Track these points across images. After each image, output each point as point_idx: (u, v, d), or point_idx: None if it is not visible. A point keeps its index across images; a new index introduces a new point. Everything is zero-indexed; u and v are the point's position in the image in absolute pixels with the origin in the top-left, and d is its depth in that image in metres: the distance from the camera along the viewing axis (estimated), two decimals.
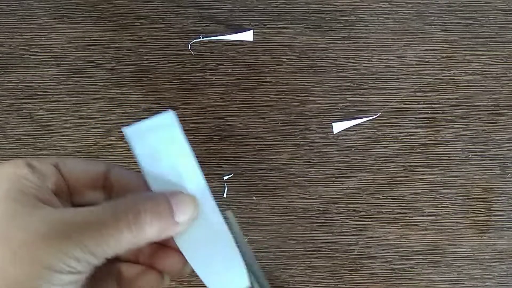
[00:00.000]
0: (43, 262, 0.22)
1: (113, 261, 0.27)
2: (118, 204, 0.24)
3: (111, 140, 0.49)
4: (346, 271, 0.49)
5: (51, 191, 0.25)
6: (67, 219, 0.23)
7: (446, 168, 0.49)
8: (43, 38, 0.49)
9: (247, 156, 0.49)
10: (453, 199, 0.49)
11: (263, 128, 0.49)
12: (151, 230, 0.24)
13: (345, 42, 0.49)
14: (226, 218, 0.29)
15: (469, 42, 0.49)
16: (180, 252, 0.28)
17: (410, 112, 0.49)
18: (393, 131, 0.49)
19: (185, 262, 0.27)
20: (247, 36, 0.48)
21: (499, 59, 0.49)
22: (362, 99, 0.49)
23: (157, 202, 0.25)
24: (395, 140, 0.49)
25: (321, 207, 0.49)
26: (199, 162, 0.50)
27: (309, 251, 0.49)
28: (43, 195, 0.24)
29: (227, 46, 0.49)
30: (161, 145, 0.29)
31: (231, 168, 0.49)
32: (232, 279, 0.28)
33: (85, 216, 0.23)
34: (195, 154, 0.47)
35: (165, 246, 0.28)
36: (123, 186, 0.27)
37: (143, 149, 0.28)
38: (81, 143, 0.49)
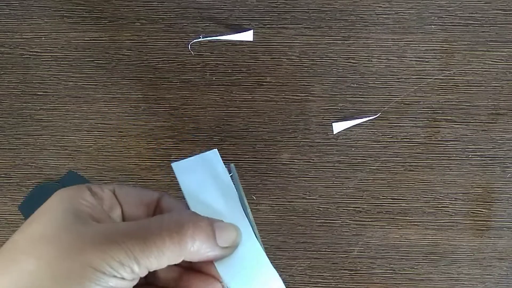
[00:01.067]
0: (88, 261, 0.24)
1: None
2: (164, 217, 0.26)
3: (111, 140, 0.49)
4: (346, 271, 0.49)
5: (105, 212, 0.27)
6: (115, 228, 0.25)
7: (446, 168, 0.49)
8: (43, 38, 0.49)
9: (247, 156, 0.49)
10: (453, 199, 0.49)
11: (263, 128, 0.49)
12: (192, 246, 0.26)
13: (345, 42, 0.49)
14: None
15: (469, 42, 0.49)
16: (213, 278, 0.29)
17: (410, 112, 0.49)
18: (393, 131, 0.49)
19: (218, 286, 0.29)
20: (247, 36, 0.48)
21: (499, 59, 0.49)
22: (362, 99, 0.49)
23: (200, 220, 0.27)
24: (395, 140, 0.49)
25: (321, 207, 0.49)
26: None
27: (309, 251, 0.49)
28: (97, 215, 0.26)
29: (227, 46, 0.49)
30: (206, 180, 0.31)
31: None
32: None
33: (131, 225, 0.26)
34: (195, 154, 0.48)
35: (201, 272, 0.29)
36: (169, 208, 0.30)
37: (188, 184, 0.30)
38: (81, 143, 0.49)
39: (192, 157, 0.31)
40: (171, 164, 0.31)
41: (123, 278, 0.24)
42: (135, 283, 0.25)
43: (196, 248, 0.26)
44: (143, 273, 0.25)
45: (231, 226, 0.28)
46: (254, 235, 0.30)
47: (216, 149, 0.32)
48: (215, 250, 0.27)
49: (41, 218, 0.26)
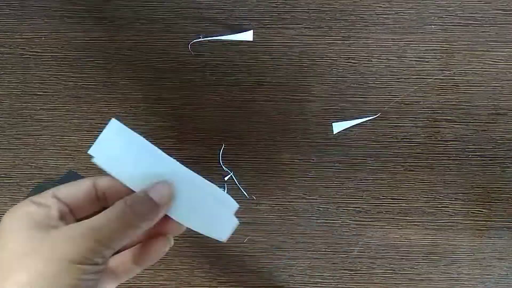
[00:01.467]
0: (70, 260, 0.28)
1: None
2: (119, 213, 0.30)
3: None
4: (346, 271, 0.49)
5: (57, 218, 0.30)
6: (82, 227, 0.29)
7: (446, 168, 0.49)
8: (43, 38, 0.49)
9: (247, 156, 0.49)
10: (453, 199, 0.49)
11: (263, 128, 0.49)
12: (146, 224, 0.31)
13: (345, 42, 0.49)
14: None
15: (469, 42, 0.49)
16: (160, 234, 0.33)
17: (410, 112, 0.49)
18: (393, 131, 0.49)
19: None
20: (247, 36, 0.48)
21: (499, 59, 0.49)
22: (362, 99, 0.49)
23: (142, 202, 0.31)
24: (395, 140, 0.49)
25: (321, 207, 0.49)
26: (199, 162, 0.50)
27: (309, 251, 0.49)
28: (53, 222, 0.30)
29: (227, 46, 0.49)
30: (120, 150, 0.33)
31: (231, 168, 0.49)
32: (224, 223, 0.32)
33: (96, 223, 0.30)
34: (195, 154, 0.47)
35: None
36: (113, 192, 0.32)
37: (108, 162, 0.33)
38: (81, 143, 0.49)
39: (99, 137, 0.34)
40: (92, 159, 0.33)
41: (97, 264, 0.29)
42: (106, 264, 0.31)
43: (150, 224, 0.31)
44: (111, 253, 0.30)
45: (164, 185, 0.32)
46: (185, 168, 0.33)
47: (113, 118, 0.35)
48: (161, 213, 0.32)
49: (8, 239, 0.29)
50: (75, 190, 0.32)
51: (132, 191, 0.32)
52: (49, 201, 0.31)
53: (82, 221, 0.30)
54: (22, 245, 0.29)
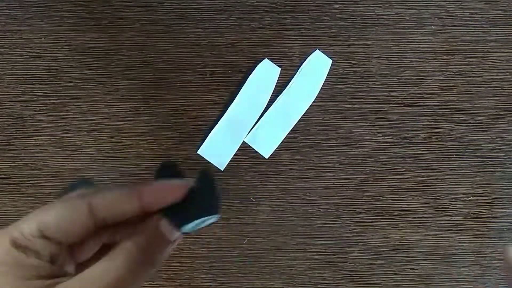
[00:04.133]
0: None
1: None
2: (129, 258, 0.25)
3: (110, 140, 0.49)
4: (346, 272, 0.49)
5: (48, 264, 0.24)
6: (83, 282, 0.23)
7: (446, 169, 0.49)
8: (43, 39, 0.49)
9: (247, 157, 0.49)
10: (454, 200, 0.49)
11: None
12: (159, 261, 0.26)
13: (345, 42, 0.49)
14: None
15: (469, 43, 0.49)
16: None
17: (410, 113, 0.49)
18: (393, 132, 0.49)
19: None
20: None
21: (499, 60, 0.49)
22: (362, 100, 0.49)
23: (156, 240, 0.26)
24: (395, 140, 0.49)
25: (321, 208, 0.49)
26: (199, 162, 0.50)
27: (309, 252, 0.49)
28: (44, 272, 0.24)
29: (227, 47, 0.49)
30: None
31: (231, 169, 0.49)
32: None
33: (100, 274, 0.24)
34: (195, 154, 0.47)
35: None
36: (109, 209, 0.26)
37: None
38: (81, 144, 0.49)
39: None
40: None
41: None
42: None
43: (161, 259, 0.27)
44: None
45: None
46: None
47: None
48: (172, 246, 0.27)
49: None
50: (67, 221, 0.25)
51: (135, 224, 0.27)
52: (37, 244, 0.24)
53: (83, 273, 0.24)
54: None
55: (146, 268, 0.25)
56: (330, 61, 0.48)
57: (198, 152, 0.48)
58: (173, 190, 0.27)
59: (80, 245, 0.26)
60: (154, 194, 0.27)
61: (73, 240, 0.25)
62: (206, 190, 0.28)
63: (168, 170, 0.30)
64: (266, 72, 0.48)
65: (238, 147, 0.49)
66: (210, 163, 0.49)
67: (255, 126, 0.49)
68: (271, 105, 0.49)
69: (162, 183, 0.27)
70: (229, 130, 0.48)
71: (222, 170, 0.49)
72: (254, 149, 0.49)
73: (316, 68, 0.48)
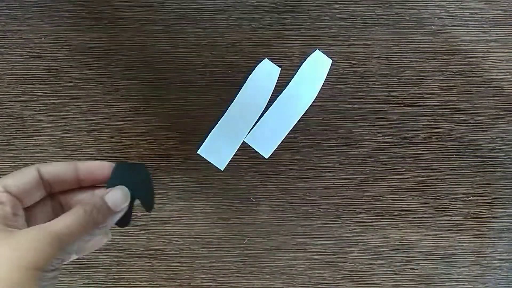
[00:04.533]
0: (34, 266, 0.28)
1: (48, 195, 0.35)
2: (79, 219, 0.31)
3: (110, 140, 0.49)
4: (346, 272, 0.49)
5: (12, 215, 0.31)
6: (47, 234, 0.29)
7: (446, 169, 0.49)
8: (43, 39, 0.49)
9: (247, 157, 0.49)
10: (453, 200, 0.49)
11: None
12: (103, 229, 0.33)
13: (345, 42, 0.49)
14: None
15: (469, 43, 0.49)
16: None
17: (410, 113, 0.49)
18: (393, 132, 0.49)
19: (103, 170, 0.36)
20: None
21: (499, 60, 0.49)
22: (362, 100, 0.49)
23: (100, 210, 0.33)
24: (395, 140, 0.49)
25: (321, 208, 0.49)
26: (199, 162, 0.50)
27: (309, 252, 0.49)
28: (9, 222, 0.30)
29: (227, 47, 0.49)
30: None
31: (231, 169, 0.49)
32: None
33: (58, 229, 0.30)
34: (195, 154, 0.47)
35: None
36: (56, 178, 0.34)
37: None
38: (81, 144, 0.49)
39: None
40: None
41: (58, 269, 0.30)
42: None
43: (103, 225, 0.33)
44: (69, 258, 0.33)
45: (118, 188, 0.34)
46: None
47: None
48: (116, 217, 0.34)
49: None
50: (23, 181, 0.33)
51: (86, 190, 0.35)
52: (2, 197, 0.31)
53: (43, 225, 0.30)
54: None
55: (91, 228, 0.31)
56: (330, 61, 0.48)
57: (198, 152, 0.48)
58: (100, 167, 0.35)
59: (30, 199, 0.33)
60: (86, 168, 0.35)
61: (27, 195, 0.32)
62: (135, 176, 0.36)
63: (125, 169, 0.36)
64: (266, 72, 0.48)
65: (238, 147, 0.49)
66: (210, 163, 0.49)
67: (255, 126, 0.49)
68: (271, 105, 0.49)
69: (94, 161, 0.36)
70: (229, 130, 0.48)
71: (222, 170, 0.49)
72: (254, 149, 0.49)
73: (316, 68, 0.48)
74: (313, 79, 0.48)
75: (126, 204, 0.34)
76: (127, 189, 0.35)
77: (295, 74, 0.48)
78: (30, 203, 0.33)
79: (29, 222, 0.33)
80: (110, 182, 0.35)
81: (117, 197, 0.34)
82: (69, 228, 0.30)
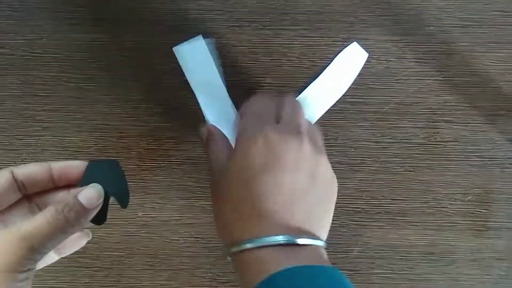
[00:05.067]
0: (2, 269, 0.29)
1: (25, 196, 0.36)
2: (51, 219, 0.31)
3: (112, 141, 0.49)
4: (345, 271, 0.50)
5: None
6: (15, 235, 0.30)
7: (445, 168, 0.49)
8: (44, 40, 0.49)
9: None
10: (452, 199, 0.49)
11: None
12: (77, 228, 0.33)
13: (345, 43, 0.49)
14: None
15: (468, 44, 0.49)
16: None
17: (409, 113, 0.49)
18: (392, 132, 0.49)
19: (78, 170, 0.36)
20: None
21: (498, 61, 0.49)
22: (361, 100, 0.49)
23: (73, 208, 0.32)
24: (395, 141, 0.49)
25: None
26: (199, 162, 0.50)
27: None
28: None
29: (227, 47, 0.49)
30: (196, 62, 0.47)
31: None
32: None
33: (28, 230, 0.30)
34: (195, 154, 0.48)
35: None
36: (29, 179, 0.35)
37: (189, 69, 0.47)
38: (82, 144, 0.49)
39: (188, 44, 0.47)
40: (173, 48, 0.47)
41: (31, 269, 0.31)
42: (35, 267, 0.32)
43: (77, 223, 0.33)
44: (42, 258, 0.32)
45: (91, 186, 0.34)
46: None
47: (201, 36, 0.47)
48: (90, 215, 0.34)
49: None
50: None
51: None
52: None
53: (13, 228, 0.30)
54: None
55: (63, 227, 0.31)
56: (367, 54, 0.48)
57: None
58: (74, 166, 0.35)
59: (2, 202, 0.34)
60: (60, 168, 0.35)
61: (1, 198, 0.33)
62: (109, 174, 0.36)
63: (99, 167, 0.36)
64: (353, 56, 0.49)
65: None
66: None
67: None
68: (300, 93, 0.49)
69: (67, 161, 0.36)
70: (307, 106, 0.47)
71: None
72: None
73: (351, 60, 0.48)
74: (346, 71, 0.48)
75: (100, 202, 0.34)
76: (100, 186, 0.34)
77: (329, 64, 0.49)
78: (4, 206, 0.34)
79: (7, 225, 0.34)
80: (83, 181, 0.35)
81: (90, 194, 0.33)
82: (38, 228, 0.30)
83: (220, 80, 0.47)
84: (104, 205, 0.35)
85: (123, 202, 0.36)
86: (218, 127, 0.43)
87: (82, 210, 0.33)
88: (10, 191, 0.34)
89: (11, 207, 0.35)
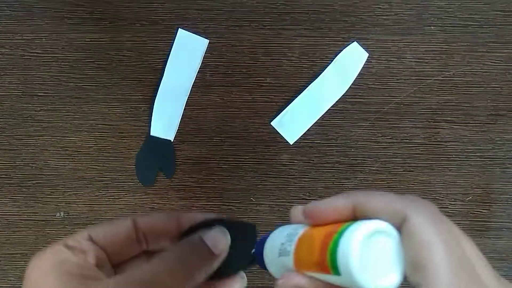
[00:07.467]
0: None
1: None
2: (170, 264, 0.26)
3: (111, 140, 0.49)
4: None
5: (94, 266, 0.27)
6: (129, 281, 0.25)
7: (446, 168, 0.49)
8: (44, 39, 0.49)
9: (247, 157, 0.49)
10: (453, 199, 0.49)
11: (263, 129, 0.49)
12: (200, 277, 0.27)
13: (345, 43, 0.49)
14: None
15: (468, 43, 0.49)
16: None
17: (409, 113, 0.49)
18: (392, 132, 0.49)
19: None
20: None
21: (498, 60, 0.49)
22: (361, 100, 0.49)
23: (199, 250, 0.27)
24: (395, 141, 0.49)
25: None
26: (199, 162, 0.50)
27: None
28: (88, 272, 0.26)
29: (227, 47, 0.49)
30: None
31: (231, 169, 0.49)
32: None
33: (144, 276, 0.25)
34: (195, 154, 0.47)
35: None
36: (153, 231, 0.29)
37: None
38: (82, 144, 0.49)
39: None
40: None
41: None
42: None
43: (205, 275, 0.27)
44: None
45: (217, 229, 0.29)
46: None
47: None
48: (216, 261, 0.28)
49: None
50: (113, 232, 0.28)
51: (181, 235, 0.29)
52: (85, 245, 0.27)
53: (126, 273, 0.26)
54: None
55: (183, 278, 0.26)
56: (367, 54, 0.49)
57: (271, 123, 0.49)
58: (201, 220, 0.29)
59: (120, 254, 0.29)
60: (190, 219, 0.29)
61: (116, 248, 0.28)
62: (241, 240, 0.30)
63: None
64: (353, 56, 0.49)
65: (311, 125, 0.49)
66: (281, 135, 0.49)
67: (283, 111, 0.49)
68: (302, 92, 0.49)
69: (198, 213, 0.30)
70: (306, 107, 0.49)
71: (291, 143, 0.49)
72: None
73: (351, 60, 0.48)
74: (347, 70, 0.49)
75: (226, 247, 0.28)
76: (227, 231, 0.29)
77: (329, 64, 0.49)
78: (122, 259, 0.29)
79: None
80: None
81: (217, 236, 0.28)
82: (157, 274, 0.25)
83: (190, 85, 0.49)
84: (235, 262, 0.29)
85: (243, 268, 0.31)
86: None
87: (208, 254, 0.27)
88: (127, 241, 0.28)
89: (129, 261, 0.30)
